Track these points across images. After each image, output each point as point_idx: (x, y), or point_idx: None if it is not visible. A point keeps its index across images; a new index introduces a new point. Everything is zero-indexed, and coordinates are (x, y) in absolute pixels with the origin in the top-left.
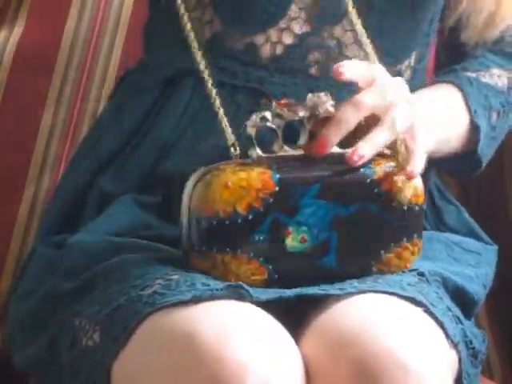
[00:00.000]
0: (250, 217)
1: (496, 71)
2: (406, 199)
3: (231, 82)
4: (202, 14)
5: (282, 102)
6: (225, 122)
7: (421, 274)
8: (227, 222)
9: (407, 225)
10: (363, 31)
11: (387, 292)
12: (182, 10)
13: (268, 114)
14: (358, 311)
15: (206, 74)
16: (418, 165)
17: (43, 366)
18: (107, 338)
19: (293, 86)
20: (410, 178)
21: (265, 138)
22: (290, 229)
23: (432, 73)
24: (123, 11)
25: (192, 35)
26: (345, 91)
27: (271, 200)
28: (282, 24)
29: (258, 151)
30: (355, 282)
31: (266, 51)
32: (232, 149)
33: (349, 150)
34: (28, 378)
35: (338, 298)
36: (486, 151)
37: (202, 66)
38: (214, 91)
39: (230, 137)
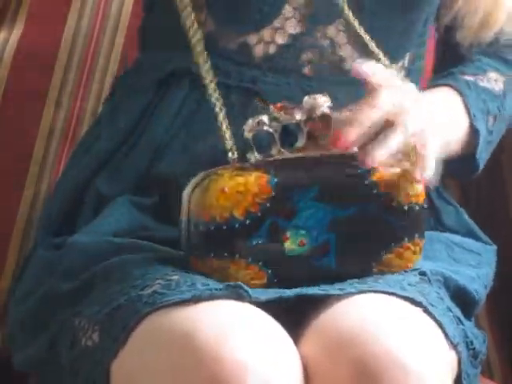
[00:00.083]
0: (248, 222)
1: (493, 75)
2: (406, 199)
3: (225, 82)
4: (196, 14)
5: (279, 105)
6: (226, 124)
7: (422, 274)
8: (224, 227)
9: (408, 224)
10: (363, 31)
11: (387, 292)
12: (180, 8)
13: (265, 118)
14: (357, 311)
15: (209, 75)
16: (429, 169)
17: (43, 366)
18: (107, 337)
19: (286, 85)
20: (420, 182)
21: (262, 142)
22: (288, 234)
23: (431, 73)
24: (123, 11)
25: (190, 34)
26: (340, 91)
27: (268, 205)
28: (276, 24)
29: (256, 155)
30: (355, 282)
31: (259, 51)
32: (230, 153)
33: (354, 150)
34: (28, 378)
35: (338, 298)
36: (484, 155)
37: (208, 65)
38: (215, 95)
39: (229, 141)
